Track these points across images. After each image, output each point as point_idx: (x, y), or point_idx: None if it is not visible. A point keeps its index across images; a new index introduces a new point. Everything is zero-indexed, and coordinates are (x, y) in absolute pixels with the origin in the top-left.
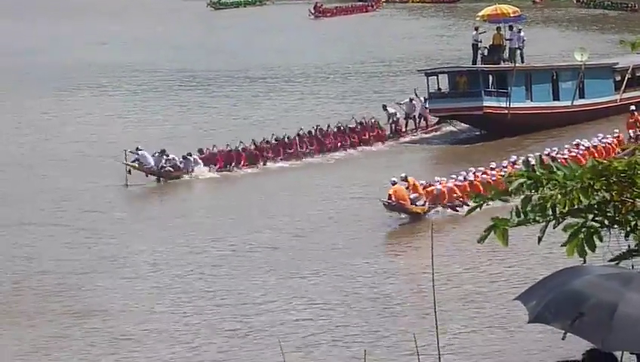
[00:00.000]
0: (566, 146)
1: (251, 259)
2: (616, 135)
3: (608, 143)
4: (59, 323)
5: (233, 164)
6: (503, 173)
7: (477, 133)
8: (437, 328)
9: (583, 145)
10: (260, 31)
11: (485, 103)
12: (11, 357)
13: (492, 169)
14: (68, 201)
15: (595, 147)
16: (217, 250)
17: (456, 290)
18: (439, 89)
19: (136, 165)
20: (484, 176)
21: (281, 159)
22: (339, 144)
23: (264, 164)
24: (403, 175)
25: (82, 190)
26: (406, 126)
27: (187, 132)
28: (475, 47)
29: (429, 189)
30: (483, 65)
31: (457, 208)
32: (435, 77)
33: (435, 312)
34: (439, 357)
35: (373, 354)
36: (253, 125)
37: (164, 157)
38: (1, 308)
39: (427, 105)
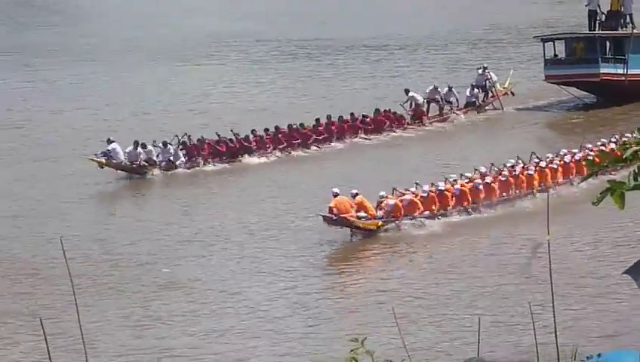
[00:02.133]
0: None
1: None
2: None
3: None
4: (142, 297)
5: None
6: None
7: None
8: (553, 299)
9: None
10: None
11: (602, 70)
12: (96, 328)
13: (484, 176)
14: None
15: None
16: (301, 226)
17: (568, 264)
18: (555, 55)
19: (104, 160)
20: (458, 188)
21: (270, 152)
22: (347, 133)
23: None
24: (354, 191)
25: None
26: (427, 112)
27: (291, 103)
28: (591, 14)
29: (382, 204)
30: (600, 32)
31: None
32: (552, 43)
33: (552, 283)
34: (555, 331)
35: (486, 322)
36: (354, 96)
37: (142, 149)
38: (88, 282)
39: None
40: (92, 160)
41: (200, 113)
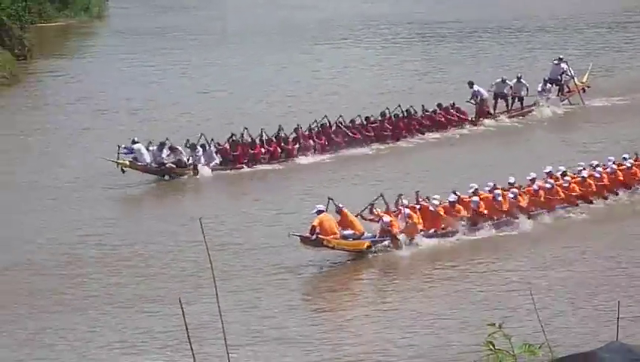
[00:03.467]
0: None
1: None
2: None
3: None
4: (250, 281)
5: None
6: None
7: None
8: None
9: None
10: None
11: None
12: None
13: (474, 193)
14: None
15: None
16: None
17: None
18: None
19: (128, 162)
20: (477, 199)
21: (313, 152)
22: (403, 131)
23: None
24: (340, 204)
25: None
26: (494, 107)
27: (423, 86)
28: None
29: (375, 217)
30: None
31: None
32: None
33: None
34: None
35: (625, 307)
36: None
37: (167, 150)
38: (192, 270)
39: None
40: (115, 161)
41: (332, 95)
